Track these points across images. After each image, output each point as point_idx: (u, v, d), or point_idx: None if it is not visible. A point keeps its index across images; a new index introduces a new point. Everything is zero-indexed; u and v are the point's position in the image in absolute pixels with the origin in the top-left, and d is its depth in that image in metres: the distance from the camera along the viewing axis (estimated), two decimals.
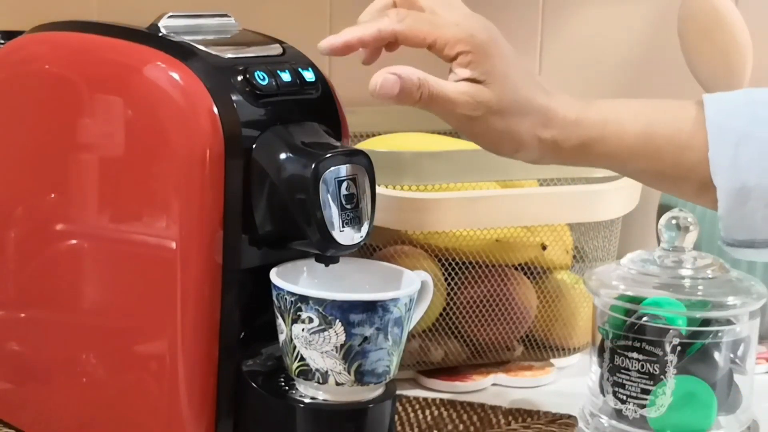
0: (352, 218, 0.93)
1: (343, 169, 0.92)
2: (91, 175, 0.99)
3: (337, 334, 0.91)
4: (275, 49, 1.00)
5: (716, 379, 1.07)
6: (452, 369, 1.24)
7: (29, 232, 1.04)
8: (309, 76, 0.98)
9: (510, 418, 1.14)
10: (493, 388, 1.23)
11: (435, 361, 1.23)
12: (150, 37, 0.97)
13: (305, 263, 0.97)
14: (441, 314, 1.22)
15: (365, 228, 0.94)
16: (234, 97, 0.93)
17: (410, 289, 0.94)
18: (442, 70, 0.94)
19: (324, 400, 0.94)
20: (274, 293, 0.94)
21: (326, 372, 0.93)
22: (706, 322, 1.07)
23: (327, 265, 0.96)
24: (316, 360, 0.92)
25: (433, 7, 0.94)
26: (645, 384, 1.06)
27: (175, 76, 0.93)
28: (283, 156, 0.92)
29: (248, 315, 0.97)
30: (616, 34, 1.54)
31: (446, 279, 1.22)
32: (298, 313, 0.92)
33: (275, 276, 0.94)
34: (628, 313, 1.08)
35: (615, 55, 1.54)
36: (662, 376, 1.06)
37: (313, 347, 0.92)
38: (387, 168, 1.16)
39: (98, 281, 1.00)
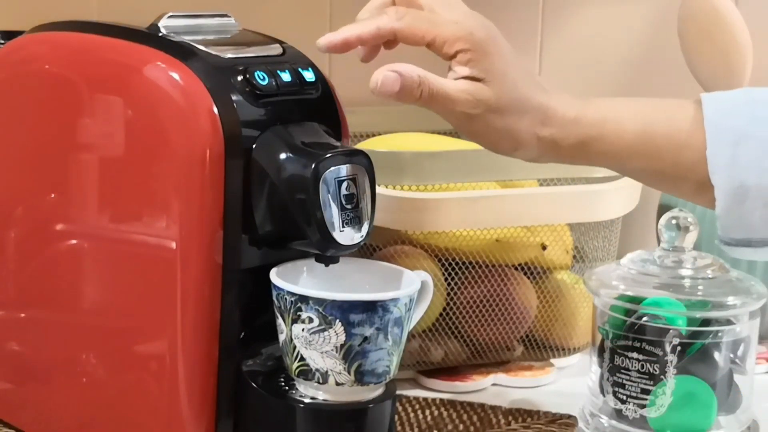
0: (352, 218, 0.93)
1: (343, 169, 0.92)
2: (91, 175, 0.99)
3: (337, 334, 0.91)
4: (275, 49, 1.00)
5: (716, 379, 1.07)
6: (452, 369, 1.24)
7: (29, 232, 1.04)
8: (309, 76, 0.98)
9: (510, 418, 1.14)
10: (493, 388, 1.23)
11: (435, 361, 1.23)
12: (150, 37, 0.97)
13: (305, 263, 0.97)
14: (441, 314, 1.22)
15: (365, 228, 0.94)
16: (234, 97, 0.93)
17: (410, 289, 0.94)
18: (440, 68, 0.95)
19: (324, 400, 0.94)
20: (274, 293, 0.94)
21: (326, 372, 0.93)
22: (706, 322, 1.07)
23: (327, 265, 0.96)
24: (316, 360, 0.92)
25: (432, 5, 0.94)
26: (645, 384, 1.06)
27: (175, 76, 0.93)
28: (283, 156, 0.92)
29: (248, 315, 0.97)
30: (616, 34, 1.54)
31: (446, 279, 1.22)
32: (298, 313, 0.92)
33: (275, 276, 0.94)
34: (628, 313, 1.08)
35: (615, 55, 1.54)
36: (662, 376, 1.06)
37: (313, 347, 0.92)
38: (387, 168, 1.16)
39: (98, 281, 1.00)
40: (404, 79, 0.91)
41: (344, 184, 0.92)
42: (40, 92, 1.02)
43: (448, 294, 1.22)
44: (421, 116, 1.23)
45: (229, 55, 0.96)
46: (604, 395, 1.09)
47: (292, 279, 0.94)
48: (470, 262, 1.23)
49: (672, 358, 1.05)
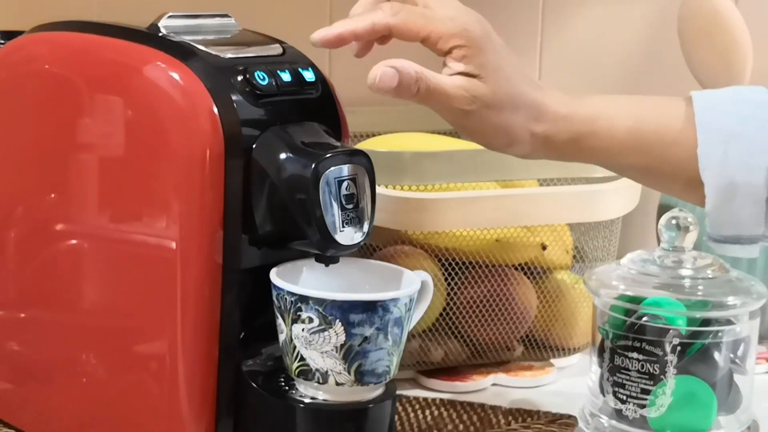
0: (352, 218, 0.93)
1: (343, 169, 0.92)
2: (91, 175, 0.99)
3: (337, 334, 0.91)
4: (275, 49, 1.00)
5: (716, 379, 1.07)
6: (452, 369, 1.24)
7: (29, 232, 1.04)
8: (309, 76, 0.98)
9: (510, 418, 1.14)
10: (493, 388, 1.23)
11: (435, 361, 1.23)
12: (150, 37, 0.97)
13: (305, 263, 0.97)
14: (441, 314, 1.22)
15: (365, 228, 0.94)
16: (234, 97, 0.93)
17: (410, 289, 0.94)
18: (433, 64, 0.95)
19: (324, 400, 0.94)
20: (274, 293, 0.94)
21: (326, 372, 0.93)
22: (706, 322, 1.07)
23: (327, 265, 0.96)
24: (316, 360, 0.92)
25: (427, 0, 0.95)
26: (645, 384, 1.06)
27: (175, 76, 0.93)
28: (283, 156, 0.92)
29: (248, 315, 0.97)
30: (616, 34, 1.54)
31: (446, 279, 1.22)
32: (298, 313, 0.92)
33: (275, 276, 0.93)
34: (628, 313, 1.08)
35: (615, 55, 1.54)
36: (662, 376, 1.06)
37: (313, 347, 0.92)
38: (387, 168, 1.16)
39: (98, 281, 1.00)
40: (402, 75, 0.91)
41: (344, 184, 0.92)
42: (40, 92, 1.02)
43: (448, 294, 1.22)
44: (421, 116, 1.23)
45: (229, 55, 0.96)
46: (604, 395, 1.09)
47: (292, 279, 0.94)
48: (470, 262, 1.23)
49: (672, 358, 1.05)
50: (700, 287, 1.08)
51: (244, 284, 0.95)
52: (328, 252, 0.94)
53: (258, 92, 0.94)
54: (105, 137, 0.98)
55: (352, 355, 0.92)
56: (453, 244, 1.21)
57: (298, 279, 0.96)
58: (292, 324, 0.92)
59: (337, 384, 0.93)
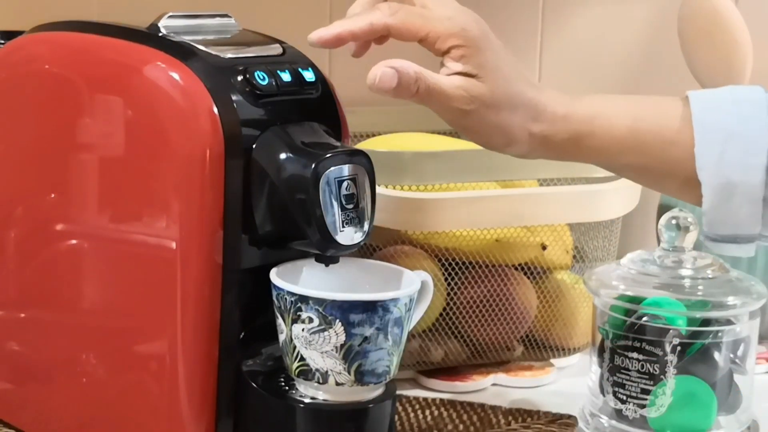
0: (352, 218, 0.93)
1: (344, 169, 0.92)
2: (91, 175, 0.99)
3: (337, 334, 0.91)
4: (275, 49, 1.00)
5: (716, 379, 1.07)
6: (452, 369, 1.24)
7: (29, 232, 1.04)
8: (309, 76, 0.98)
9: (510, 418, 1.14)
10: (493, 388, 1.23)
11: (435, 361, 1.23)
12: (150, 37, 0.96)
13: (305, 263, 0.97)
14: (441, 314, 1.22)
15: (365, 228, 0.94)
16: (234, 97, 0.93)
17: (410, 289, 0.94)
18: (432, 64, 0.95)
19: (324, 400, 0.94)
20: (274, 293, 0.93)
21: (326, 372, 0.93)
22: (706, 322, 1.07)
23: (327, 265, 0.96)
24: (316, 360, 0.92)
25: (424, 0, 0.95)
26: (645, 384, 1.06)
27: (175, 76, 0.93)
28: (283, 156, 0.92)
29: (248, 315, 0.96)
30: (616, 34, 1.54)
31: (446, 279, 1.22)
32: (298, 313, 0.92)
33: (275, 276, 0.93)
34: (628, 313, 1.08)
35: (615, 55, 1.54)
36: (662, 376, 1.06)
37: (313, 347, 0.92)
38: (387, 168, 1.16)
39: (98, 281, 1.00)
40: (401, 75, 0.91)
41: (344, 184, 0.92)
42: (40, 92, 1.02)
43: (448, 294, 1.22)
44: (421, 116, 1.23)
45: (229, 55, 0.96)
46: (604, 395, 1.09)
47: (292, 279, 0.94)
48: (470, 262, 1.23)
49: (672, 358, 1.05)
50: (700, 287, 1.08)
51: (244, 284, 0.95)
52: (328, 252, 0.94)
53: (258, 92, 0.94)
54: (105, 137, 0.98)
55: (352, 355, 0.92)
56: (453, 244, 1.21)
57: (298, 279, 0.96)
58: (292, 324, 0.92)
59: (337, 384, 0.93)
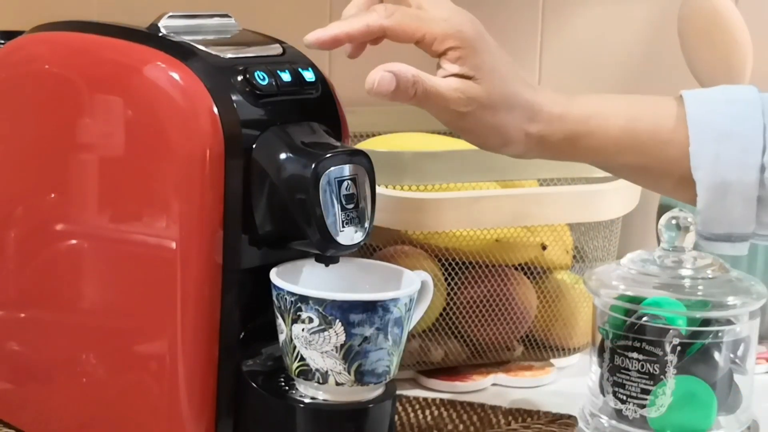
0: (352, 218, 0.93)
1: (344, 169, 0.92)
2: (91, 175, 0.99)
3: (337, 334, 0.91)
4: (275, 49, 1.00)
5: (716, 379, 1.07)
6: (452, 369, 1.24)
7: (29, 232, 1.04)
8: (309, 76, 0.98)
9: (510, 418, 1.14)
10: (493, 388, 1.23)
11: (435, 361, 1.23)
12: (150, 37, 0.96)
13: (305, 263, 0.97)
14: (441, 314, 1.22)
15: (365, 228, 0.94)
16: (234, 97, 0.93)
17: (410, 289, 0.94)
18: (429, 66, 0.95)
19: (324, 400, 0.94)
20: (274, 293, 0.93)
21: (326, 372, 0.93)
22: (706, 322, 1.07)
23: (327, 265, 0.96)
24: (316, 360, 0.92)
25: (420, 1, 0.95)
26: (645, 384, 1.06)
27: (175, 76, 0.93)
28: (283, 156, 0.92)
29: (248, 315, 0.97)
30: (616, 34, 1.54)
31: (446, 279, 1.22)
32: (298, 313, 0.92)
33: (275, 276, 0.93)
34: (628, 313, 1.08)
35: (615, 55, 1.54)
36: (662, 376, 1.06)
37: (313, 347, 0.92)
38: (387, 168, 1.16)
39: (98, 281, 1.00)
40: (399, 79, 0.91)
41: (344, 184, 0.92)
42: (40, 92, 1.02)
43: (448, 294, 1.22)
44: (421, 116, 1.22)
45: (229, 55, 0.96)
46: (604, 395, 1.09)
47: (292, 279, 0.94)
48: (470, 262, 1.23)
49: (672, 358, 1.05)
50: (700, 287, 1.08)
51: (244, 284, 0.95)
52: (328, 252, 0.94)
53: (258, 92, 0.94)
54: (105, 137, 0.98)
55: (352, 355, 0.92)
56: (453, 244, 1.21)
57: (298, 279, 0.96)
58: (292, 324, 0.92)
59: (337, 384, 0.93)
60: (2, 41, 1.11)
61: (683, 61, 1.36)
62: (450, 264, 1.22)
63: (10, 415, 1.08)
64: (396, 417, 1.06)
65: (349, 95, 1.03)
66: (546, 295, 1.26)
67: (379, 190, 0.98)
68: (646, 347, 1.06)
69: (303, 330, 0.92)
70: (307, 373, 0.93)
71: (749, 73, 1.34)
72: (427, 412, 1.15)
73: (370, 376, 0.93)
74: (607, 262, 1.25)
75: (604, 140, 0.98)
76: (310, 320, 0.91)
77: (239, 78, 0.94)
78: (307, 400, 0.94)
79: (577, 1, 1.53)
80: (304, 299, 0.91)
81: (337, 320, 0.91)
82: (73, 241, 1.01)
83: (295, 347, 0.93)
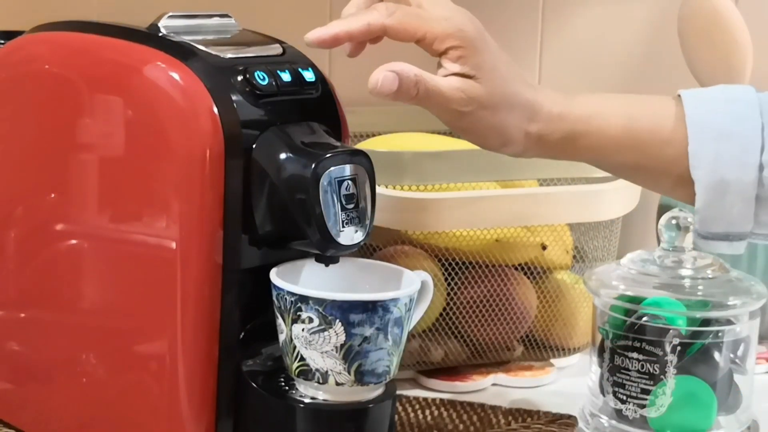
0: (352, 218, 0.93)
1: (344, 169, 0.92)
2: (91, 175, 0.99)
3: (337, 334, 0.91)
4: (275, 49, 1.00)
5: (716, 379, 1.07)
6: (452, 369, 1.24)
7: (29, 232, 1.04)
8: (309, 76, 0.98)
9: (510, 418, 1.14)
10: (493, 388, 1.23)
11: (435, 361, 1.23)
12: (150, 37, 0.96)
13: (305, 263, 0.97)
14: (441, 314, 1.22)
15: (365, 228, 0.94)
16: (234, 97, 0.93)
17: (410, 289, 0.94)
18: (428, 64, 0.95)
19: (324, 400, 0.94)
20: (274, 293, 0.93)
21: (326, 372, 0.93)
22: (706, 322, 1.07)
23: (327, 265, 0.96)
24: (316, 360, 0.92)
25: (420, 1, 0.95)
26: (645, 384, 1.06)
27: (175, 76, 0.93)
28: (283, 156, 0.92)
29: (248, 315, 0.96)
30: (616, 34, 1.54)
31: (446, 279, 1.22)
32: (298, 313, 0.92)
33: (275, 276, 0.93)
34: (628, 313, 1.08)
35: (615, 55, 1.54)
36: (662, 376, 1.06)
37: (313, 347, 0.92)
38: (387, 168, 1.16)
39: (98, 281, 1.00)
40: (402, 79, 0.92)
41: (344, 184, 0.92)
42: (40, 92, 1.02)
43: (448, 294, 1.22)
44: (421, 116, 1.23)
45: (229, 55, 0.96)
46: (604, 395, 1.09)
47: (292, 279, 0.94)
48: (470, 262, 1.23)
49: (672, 358, 1.05)
50: (700, 287, 1.08)
51: (244, 284, 0.95)
52: (328, 252, 0.94)
53: (258, 92, 0.94)
54: (105, 137, 0.98)
55: (352, 355, 0.92)
56: (453, 244, 1.21)
57: (298, 279, 0.96)
58: (292, 324, 0.92)
59: (337, 384, 0.93)
60: (2, 41, 1.11)
61: (683, 61, 1.36)
62: (450, 264, 1.22)
63: (10, 415, 1.08)
64: (396, 417, 1.06)
65: (349, 95, 1.03)
66: (546, 295, 1.26)
67: (379, 190, 0.98)
68: (646, 347, 1.06)
69: (303, 330, 0.92)
70: (307, 373, 0.93)
71: (749, 73, 1.34)
72: (427, 412, 1.15)
73: (370, 376, 0.93)
74: (607, 262, 1.25)
75: (603, 139, 0.98)
76: (310, 320, 0.91)
77: (239, 78, 0.94)
78: (307, 400, 0.94)
79: (577, 1, 1.53)
80: (304, 299, 0.91)
81: (337, 320, 0.91)
82: (73, 241, 1.01)
83: (295, 347, 0.93)
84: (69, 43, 1.01)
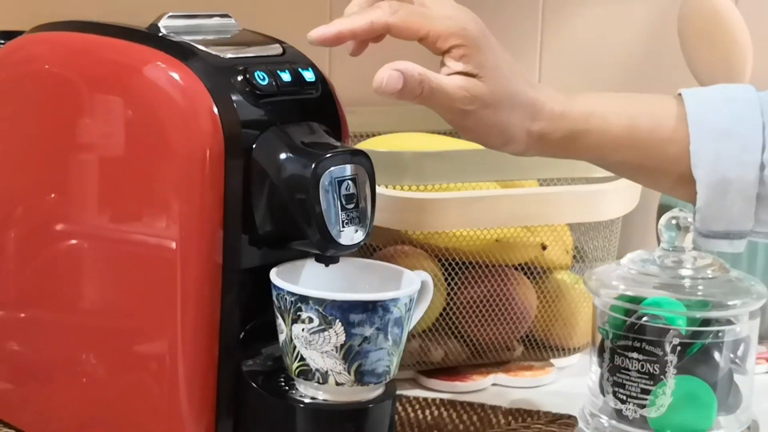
0: (352, 218, 0.93)
1: (344, 169, 0.92)
2: (91, 175, 0.99)
3: (337, 334, 0.91)
4: (275, 49, 1.00)
5: (716, 379, 1.07)
6: (452, 369, 1.24)
7: (29, 232, 1.04)
8: (309, 76, 0.98)
9: (510, 418, 1.14)
10: (493, 388, 1.23)
11: (435, 361, 1.23)
12: (150, 37, 0.96)
13: (305, 263, 0.97)
14: (441, 314, 1.22)
15: (365, 228, 0.94)
16: (234, 97, 0.93)
17: (410, 289, 0.94)
18: (431, 63, 0.95)
19: (324, 400, 0.94)
20: (274, 293, 0.93)
21: (326, 372, 0.93)
22: (706, 322, 1.07)
23: (327, 265, 0.96)
24: (316, 360, 0.92)
25: None
26: (645, 384, 1.06)
27: (175, 76, 0.93)
28: (283, 156, 0.92)
29: (248, 315, 0.96)
30: (616, 34, 1.54)
31: (446, 279, 1.22)
32: (298, 313, 0.92)
33: (275, 276, 0.93)
34: (628, 313, 1.08)
35: (615, 55, 1.54)
36: (662, 376, 1.06)
37: (313, 347, 0.92)
38: (387, 168, 1.16)
39: (98, 281, 1.00)
40: (407, 78, 0.92)
41: (344, 184, 0.92)
42: (40, 92, 1.02)
43: (448, 294, 1.22)
44: (421, 116, 1.23)
45: (229, 55, 0.96)
46: (604, 395, 1.09)
47: (292, 279, 0.94)
48: (470, 262, 1.23)
49: (672, 358, 1.05)
50: (700, 287, 1.08)
51: (244, 284, 0.95)
52: (328, 252, 0.94)
53: (258, 92, 0.94)
54: (105, 137, 0.98)
55: (352, 355, 0.92)
56: (453, 244, 1.21)
57: (298, 279, 0.95)
58: (292, 324, 0.92)
59: (337, 384, 0.93)
60: (2, 41, 1.11)
61: (683, 61, 1.36)
62: (450, 264, 1.22)
63: (10, 415, 1.08)
64: (396, 417, 1.06)
65: (349, 95, 1.03)
66: (546, 295, 1.26)
67: (379, 190, 0.98)
68: (646, 347, 1.06)
69: (303, 330, 0.92)
70: (307, 373, 0.93)
71: (749, 73, 1.34)
72: (427, 412, 1.15)
73: (370, 376, 0.93)
74: (607, 262, 1.25)
75: (604, 138, 0.98)
76: (310, 320, 0.91)
77: (239, 78, 0.94)
78: (307, 400, 0.94)
79: (577, 1, 1.53)
80: (304, 299, 0.91)
81: (337, 320, 0.91)
82: (73, 241, 1.01)
83: (295, 347, 0.93)
84: (69, 43, 1.01)
